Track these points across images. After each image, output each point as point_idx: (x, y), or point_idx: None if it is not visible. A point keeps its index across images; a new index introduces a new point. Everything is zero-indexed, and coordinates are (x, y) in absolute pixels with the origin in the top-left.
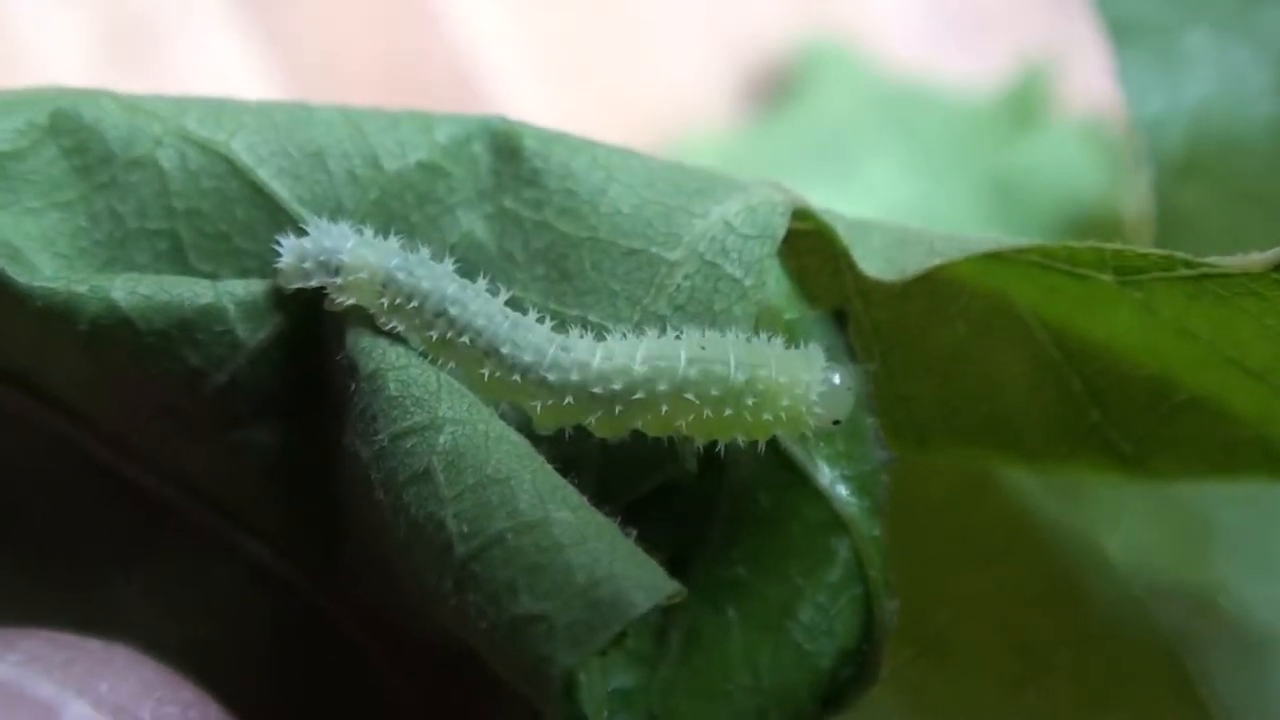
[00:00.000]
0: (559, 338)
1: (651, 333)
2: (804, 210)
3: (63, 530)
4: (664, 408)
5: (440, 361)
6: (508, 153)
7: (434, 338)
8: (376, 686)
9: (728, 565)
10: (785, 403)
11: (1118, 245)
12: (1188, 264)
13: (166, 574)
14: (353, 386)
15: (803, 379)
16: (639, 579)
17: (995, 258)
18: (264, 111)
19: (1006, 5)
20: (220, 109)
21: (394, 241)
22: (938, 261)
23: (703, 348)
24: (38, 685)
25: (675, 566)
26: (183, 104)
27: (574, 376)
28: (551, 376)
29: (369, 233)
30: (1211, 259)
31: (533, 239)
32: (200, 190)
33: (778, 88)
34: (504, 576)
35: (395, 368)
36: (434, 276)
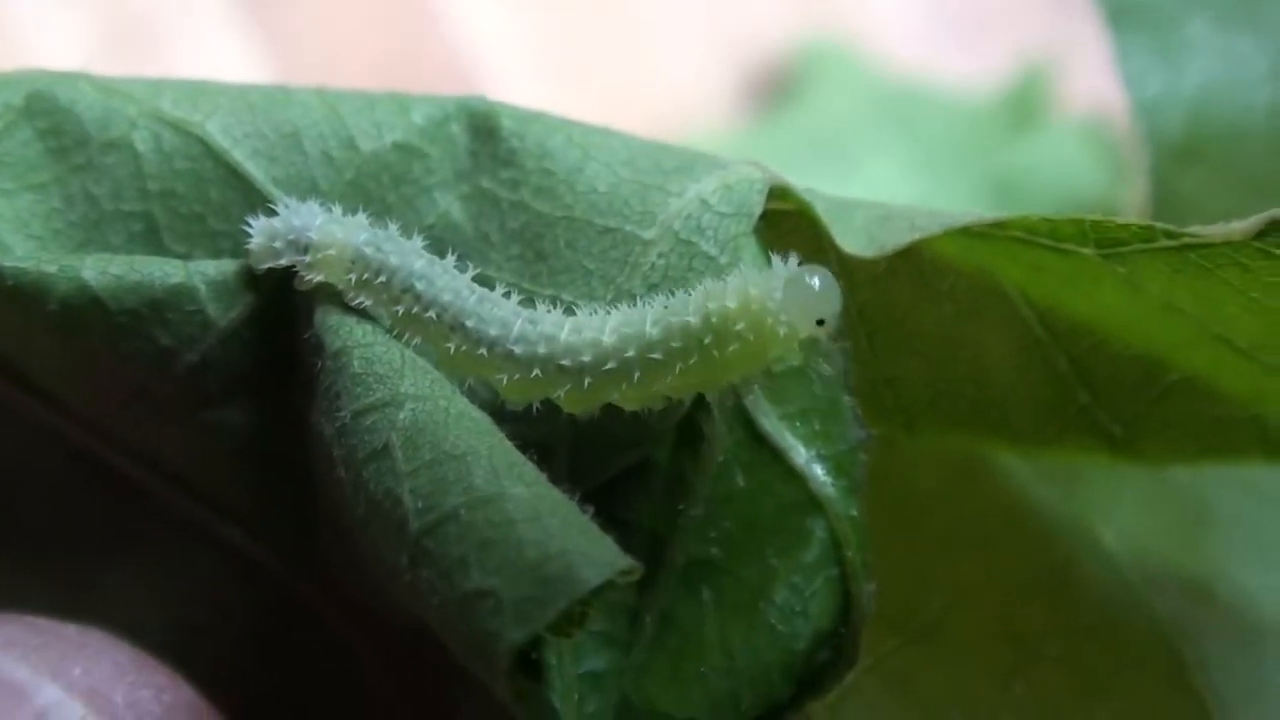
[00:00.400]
0: (525, 311)
1: (623, 306)
2: (783, 189)
3: (41, 516)
4: (636, 374)
5: (407, 337)
6: (485, 133)
7: (400, 313)
8: (353, 669)
9: (703, 546)
10: (741, 325)
11: (1097, 217)
12: (1169, 234)
13: (144, 559)
14: (319, 364)
15: (754, 293)
16: (591, 555)
17: (980, 236)
18: (240, 93)
19: (1006, 5)
20: (196, 91)
21: (362, 218)
22: (917, 236)
23: (665, 306)
24: (11, 669)
25: (651, 547)
26: (159, 86)
27: (541, 349)
28: (518, 349)
29: (338, 210)
30: (1193, 229)
31: (509, 219)
32: (174, 171)
33: (778, 88)
34: (456, 552)
35: (360, 345)
36: (401, 252)
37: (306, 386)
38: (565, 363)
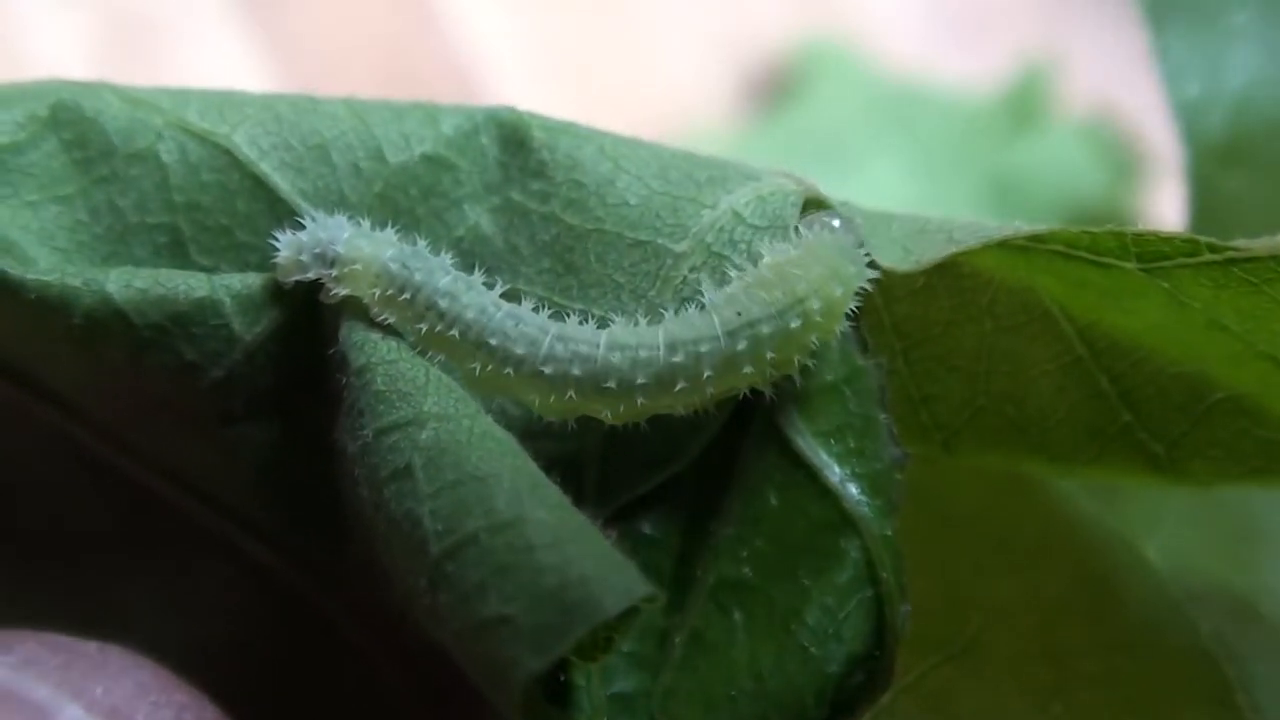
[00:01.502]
0: (555, 327)
1: (670, 313)
2: (817, 200)
3: (60, 529)
4: (709, 389)
5: (432, 355)
6: (515, 144)
7: (424, 330)
8: (375, 686)
9: (735, 566)
10: (838, 292)
11: (1140, 230)
12: (1213, 248)
13: (165, 573)
14: (343, 381)
15: (823, 264)
16: (611, 582)
17: (1021, 251)
18: (267, 103)
19: (1006, 5)
20: (223, 101)
21: (390, 233)
22: (954, 250)
23: (738, 314)
24: (32, 688)
25: (680, 566)
26: (185, 96)
27: (575, 370)
28: (548, 370)
29: (366, 224)
30: (1238, 242)
31: (539, 232)
32: (201, 183)
33: (777, 87)
34: (475, 577)
35: (385, 361)
36: (427, 269)
37: (331, 403)
38: (610, 384)
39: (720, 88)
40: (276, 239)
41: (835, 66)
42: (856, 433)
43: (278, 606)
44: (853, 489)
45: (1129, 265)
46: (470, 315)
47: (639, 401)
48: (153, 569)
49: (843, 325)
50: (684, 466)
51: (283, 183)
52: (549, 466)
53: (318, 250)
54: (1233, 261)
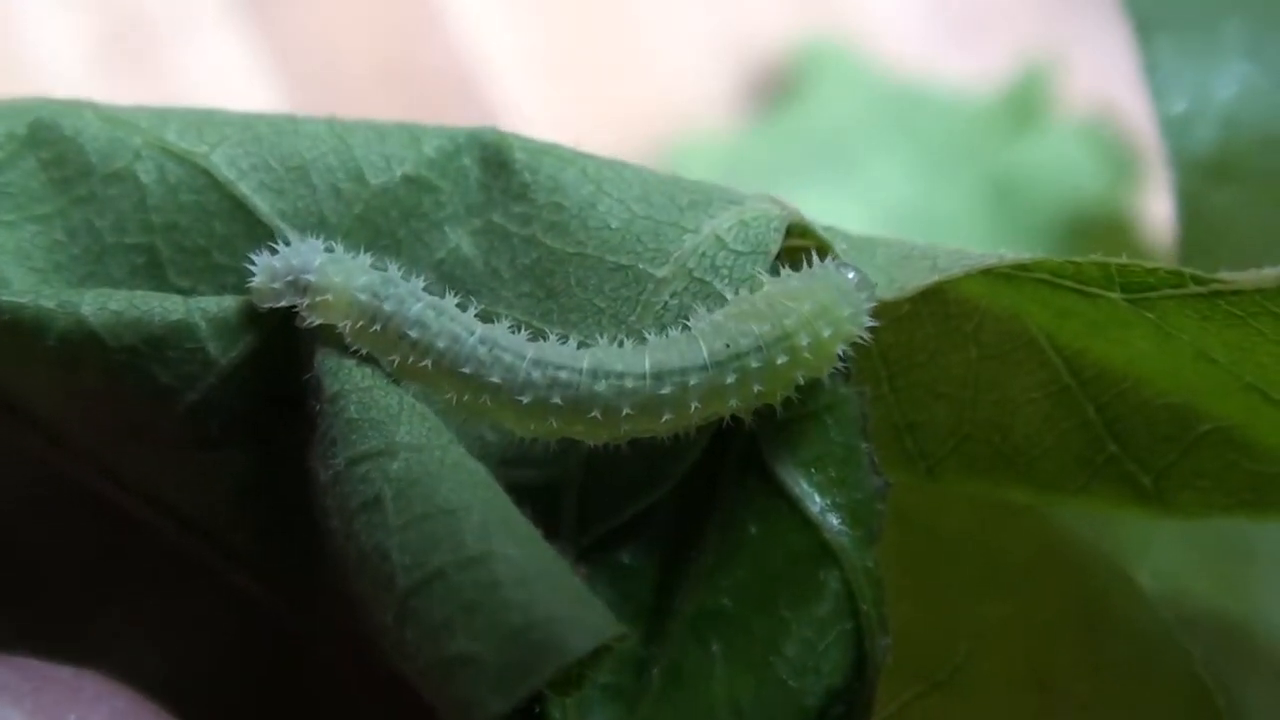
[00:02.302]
0: (532, 350)
1: (652, 337)
2: (802, 226)
3: (36, 551)
4: (695, 418)
5: (408, 387)
6: (497, 166)
7: (396, 361)
8: (355, 711)
9: (714, 596)
10: (826, 333)
11: (1124, 260)
12: (1198, 280)
13: (143, 598)
14: (317, 407)
15: (824, 299)
16: (578, 621)
17: (1006, 278)
18: (247, 123)
19: (1006, 5)
20: (203, 120)
21: (364, 260)
22: (939, 278)
23: (727, 345)
24: (4, 714)
25: (659, 596)
26: (165, 115)
27: (555, 398)
28: (525, 398)
29: (340, 249)
30: (1223, 274)
31: (519, 255)
32: (179, 204)
33: (777, 88)
34: (441, 613)
35: (358, 389)
36: (398, 298)
37: (306, 429)
38: (594, 414)
39: (720, 88)
40: (252, 262)
41: (835, 67)
42: (838, 462)
43: (255, 631)
44: (833, 519)
45: (1114, 295)
46: (442, 344)
47: (622, 429)
48: (129, 593)
49: (832, 365)
50: (663, 495)
51: (262, 204)
52: (526, 496)
53: (290, 277)
54: (1218, 294)
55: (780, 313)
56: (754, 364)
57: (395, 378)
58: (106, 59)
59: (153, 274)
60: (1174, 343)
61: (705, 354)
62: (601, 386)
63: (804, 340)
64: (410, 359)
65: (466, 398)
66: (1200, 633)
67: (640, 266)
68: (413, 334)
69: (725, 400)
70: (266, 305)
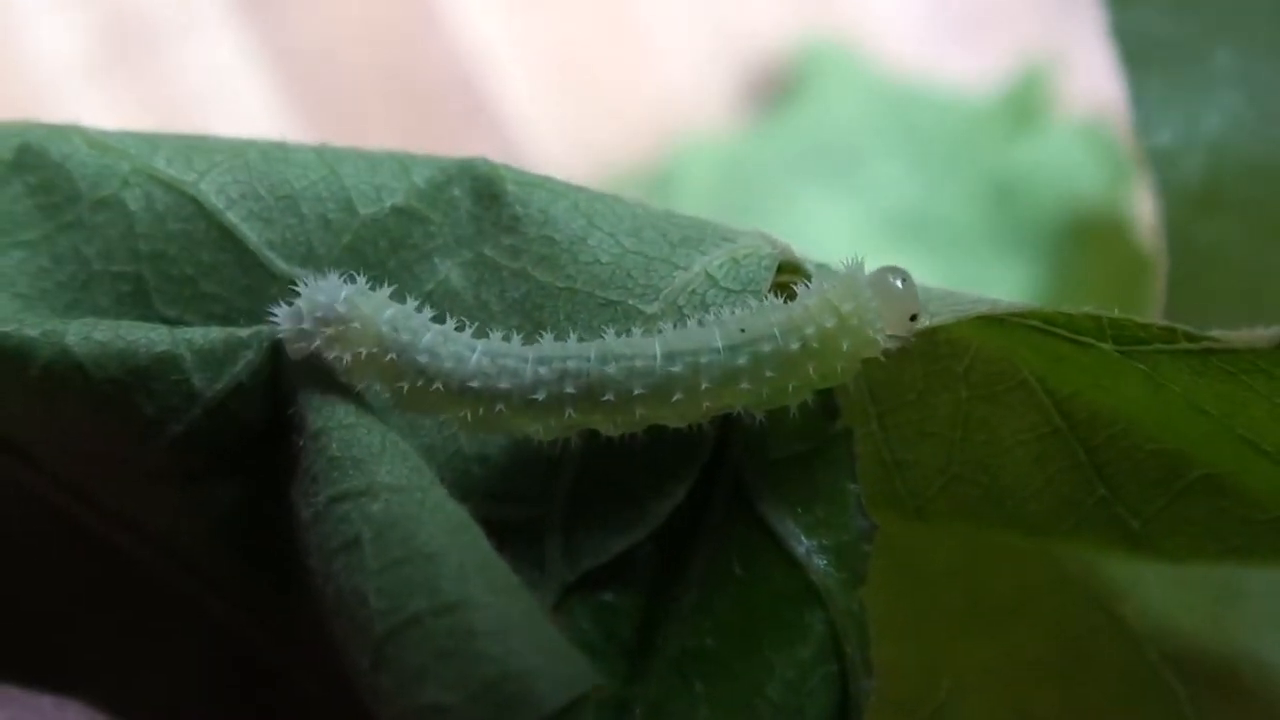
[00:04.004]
0: (531, 351)
1: (666, 328)
2: (793, 264)
3: (18, 580)
4: (706, 402)
5: (391, 424)
6: (488, 198)
7: (405, 389)
8: None
9: (697, 636)
10: (847, 346)
11: (1117, 315)
12: (1190, 337)
13: (125, 628)
14: (300, 443)
15: (845, 307)
16: (554, 675)
17: (998, 322)
18: (237, 151)
19: (1006, 5)
20: (193, 148)
21: (385, 292)
22: (929, 323)
23: (742, 330)
24: None
25: (642, 634)
26: (155, 142)
27: (569, 389)
28: (540, 396)
29: (362, 281)
30: (1215, 333)
31: (509, 288)
32: (167, 232)
33: (778, 88)
34: (416, 661)
35: (341, 426)
36: (413, 329)
37: (289, 464)
38: (608, 397)
39: (720, 88)
40: (274, 314)
41: (835, 67)
42: (824, 503)
43: (236, 662)
44: (819, 560)
45: (1105, 346)
46: (449, 365)
47: (637, 413)
48: (111, 622)
49: (847, 365)
50: (648, 534)
51: (250, 233)
52: (512, 533)
53: (319, 314)
54: (1210, 351)
55: (793, 306)
56: (766, 349)
57: (404, 407)
58: (106, 59)
59: (139, 302)
60: (1165, 393)
61: (719, 336)
62: (612, 369)
63: (811, 330)
64: (419, 384)
65: (481, 411)
66: (1187, 672)
67: (630, 303)
68: (422, 360)
69: (736, 383)
70: (300, 350)
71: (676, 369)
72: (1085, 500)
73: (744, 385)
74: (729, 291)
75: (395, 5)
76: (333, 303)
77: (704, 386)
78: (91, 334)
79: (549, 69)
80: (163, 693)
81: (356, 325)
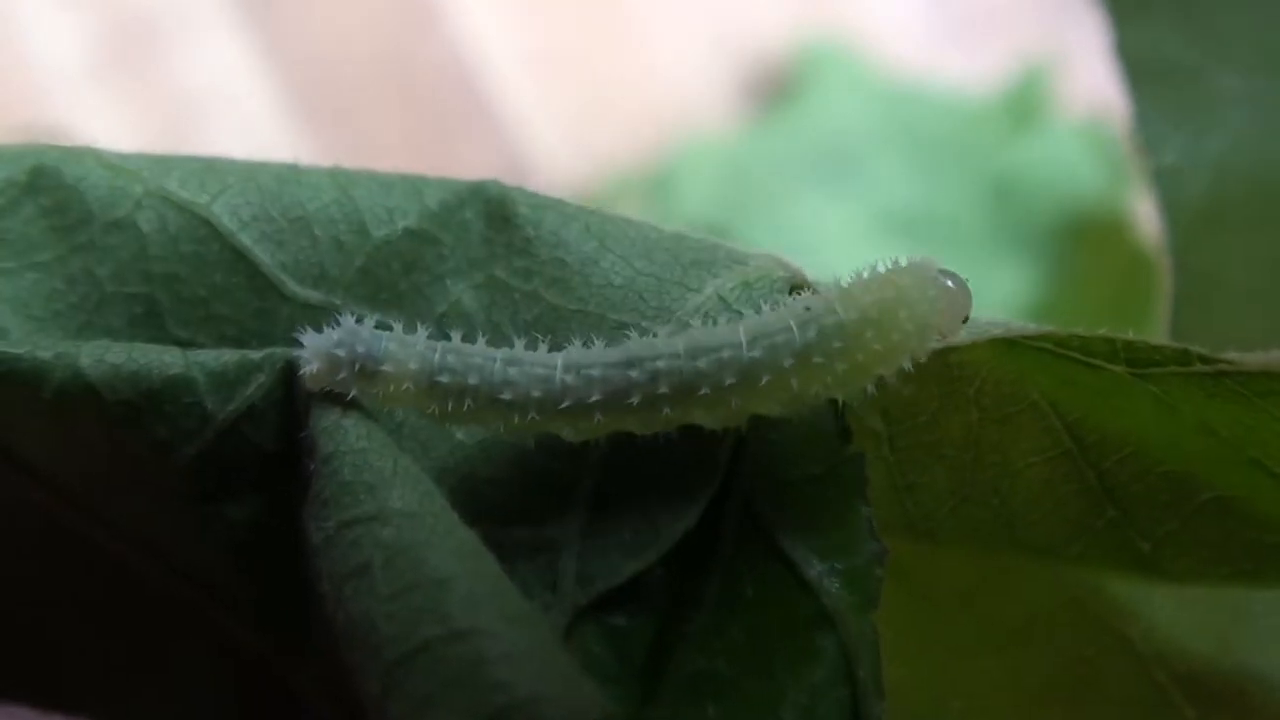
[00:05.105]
0: (559, 359)
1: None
2: (804, 285)
3: (33, 601)
4: (729, 384)
5: (404, 449)
6: (500, 220)
7: (437, 412)
8: None
9: (710, 658)
10: (902, 315)
11: (1130, 336)
12: (1204, 359)
13: (140, 649)
14: (312, 467)
15: (908, 284)
16: (563, 703)
17: (1009, 344)
18: (249, 173)
19: (1006, 5)
20: (205, 169)
21: (422, 337)
22: (941, 344)
23: (762, 323)
24: None
25: (654, 657)
26: (167, 163)
27: (595, 395)
28: (568, 403)
29: (399, 329)
30: (1230, 355)
31: (521, 310)
32: (179, 254)
33: (778, 88)
34: (425, 688)
35: (353, 451)
36: (460, 370)
37: (302, 487)
38: (633, 400)
39: (720, 88)
40: (300, 341)
41: (835, 67)
42: (836, 526)
43: (251, 683)
44: (831, 584)
45: (1118, 368)
46: (537, 393)
47: (663, 413)
48: (126, 643)
49: (869, 358)
50: (660, 556)
51: (263, 255)
52: (525, 555)
53: (358, 366)
54: (1224, 374)
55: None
56: (780, 339)
57: (442, 424)
58: (106, 59)
59: (152, 324)
60: (1176, 415)
61: (741, 332)
62: (636, 373)
63: (830, 320)
64: (450, 405)
65: (517, 420)
66: (1196, 693)
67: (643, 324)
68: (506, 396)
69: (758, 377)
70: (322, 386)
71: (700, 364)
72: (1095, 523)
73: (764, 379)
74: (741, 314)
75: (395, 6)
76: (372, 355)
77: (728, 382)
78: (105, 356)
79: (549, 69)
80: (173, 714)
81: (408, 386)
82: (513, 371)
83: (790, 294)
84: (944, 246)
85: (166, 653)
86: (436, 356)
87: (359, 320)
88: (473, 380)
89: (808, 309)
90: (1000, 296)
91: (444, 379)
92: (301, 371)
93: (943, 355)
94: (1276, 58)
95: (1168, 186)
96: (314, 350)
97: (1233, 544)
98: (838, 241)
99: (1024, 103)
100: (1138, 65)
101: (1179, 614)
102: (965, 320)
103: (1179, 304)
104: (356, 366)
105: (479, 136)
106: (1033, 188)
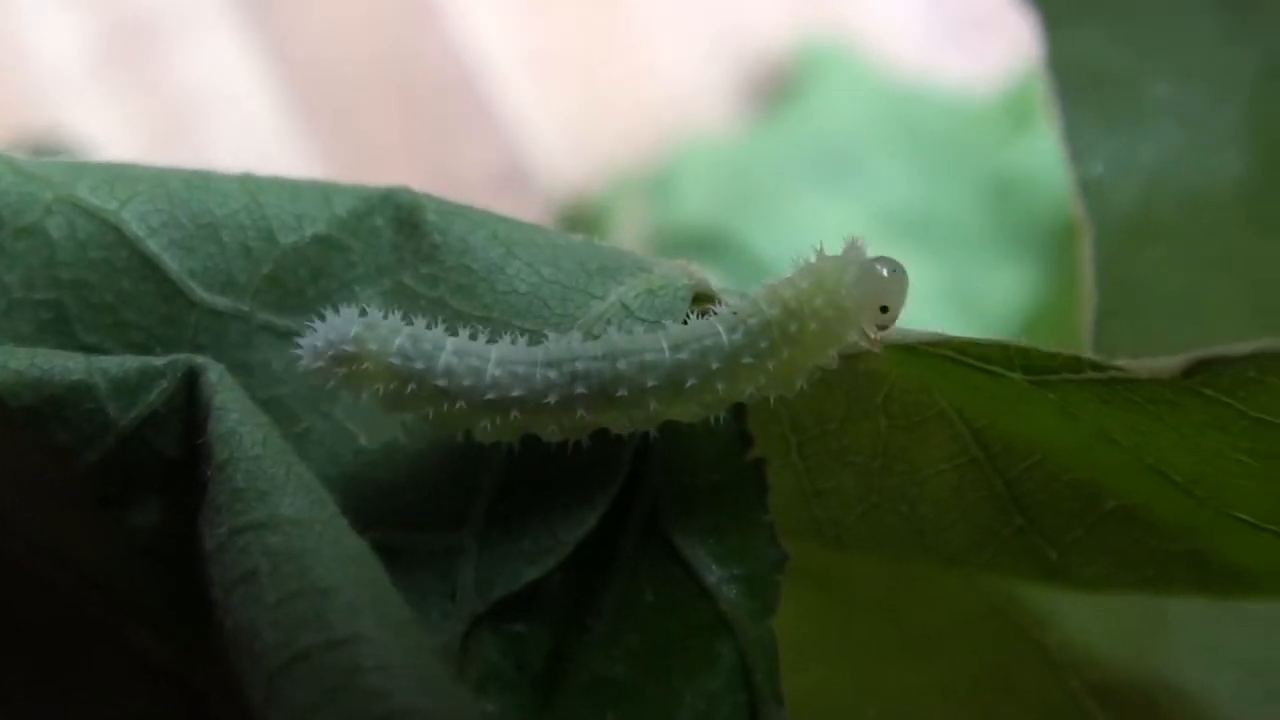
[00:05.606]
0: (541, 352)
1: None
2: (708, 294)
3: None
4: (719, 386)
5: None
6: (409, 227)
7: (432, 414)
8: None
9: (609, 664)
10: (819, 301)
11: (1024, 344)
12: (1096, 366)
13: (49, 659)
14: (208, 473)
15: (826, 269)
16: (439, 714)
17: (913, 352)
18: (160, 179)
19: (1007, 5)
20: (116, 176)
21: (397, 321)
22: (842, 352)
23: (734, 313)
24: None
25: (553, 663)
26: (79, 170)
27: (580, 389)
28: (553, 399)
29: (376, 314)
30: (1121, 362)
31: (426, 317)
32: (88, 260)
33: (777, 88)
34: (305, 697)
35: (246, 458)
36: (427, 355)
37: (200, 494)
38: (622, 393)
39: (720, 88)
40: (299, 346)
41: (835, 67)
42: (736, 532)
43: (165, 697)
44: (730, 590)
45: (1015, 376)
46: (468, 383)
47: (651, 407)
48: (38, 656)
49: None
50: (559, 562)
51: (171, 262)
52: (426, 561)
53: (332, 352)
54: (1116, 381)
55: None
56: (709, 343)
57: (437, 428)
58: (106, 58)
59: (60, 330)
60: (1077, 423)
61: (663, 338)
62: (623, 365)
63: (755, 320)
64: (445, 407)
65: (500, 420)
66: (1109, 702)
67: (546, 332)
68: (440, 384)
69: (683, 380)
70: (325, 384)
71: (684, 356)
72: (1003, 530)
73: (745, 360)
74: (644, 321)
75: (395, 6)
76: (343, 340)
77: (714, 365)
78: (7, 362)
79: (549, 69)
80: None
81: (368, 365)
82: (454, 360)
83: (695, 301)
84: (944, 246)
85: (80, 664)
86: (400, 340)
87: (337, 310)
88: (419, 365)
89: (734, 313)
90: (1000, 296)
91: (396, 361)
92: (300, 370)
93: (850, 363)
94: (1208, 67)
95: (1096, 196)
96: (304, 348)
97: (1138, 552)
98: (838, 242)
99: (1024, 103)
100: (1068, 74)
101: (1095, 624)
102: (897, 303)
103: (1108, 315)
104: (330, 354)
105: (479, 136)
106: (1033, 188)
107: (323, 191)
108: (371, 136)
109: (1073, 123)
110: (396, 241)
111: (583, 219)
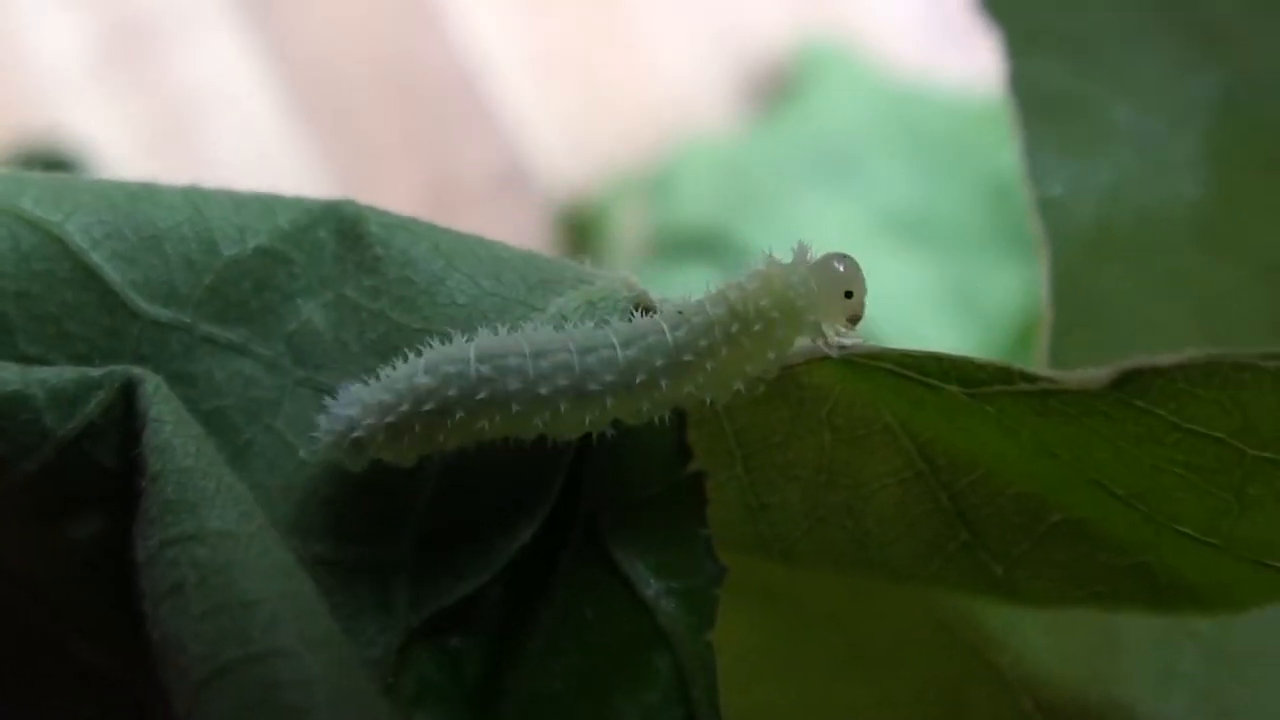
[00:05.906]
0: (532, 360)
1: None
2: (649, 306)
3: None
4: (663, 383)
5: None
6: (352, 239)
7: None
8: None
9: (546, 679)
10: (765, 302)
11: (956, 356)
12: (1026, 378)
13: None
14: (141, 485)
15: (773, 270)
16: None
17: (855, 366)
18: (104, 191)
19: None
20: (60, 187)
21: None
22: (788, 363)
23: (679, 311)
24: None
25: (490, 678)
26: (23, 181)
27: (561, 381)
28: (543, 390)
29: (373, 383)
30: (1050, 373)
31: (367, 329)
32: (31, 272)
33: (778, 88)
34: (225, 712)
35: (178, 470)
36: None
37: (135, 505)
38: (592, 387)
39: (720, 88)
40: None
41: (835, 67)
42: (674, 546)
43: (109, 706)
44: (667, 603)
45: (953, 388)
46: (454, 394)
47: (608, 402)
48: None
49: (783, 345)
50: (494, 575)
51: (113, 273)
52: (361, 574)
53: (346, 445)
54: (1049, 393)
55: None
56: (652, 339)
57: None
58: (106, 59)
59: (3, 341)
60: (1017, 436)
61: (612, 334)
62: (591, 360)
63: (734, 294)
64: (461, 436)
65: (498, 419)
66: None
67: None
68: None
69: (680, 355)
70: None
71: (632, 353)
72: (948, 544)
73: (686, 357)
74: None
75: (395, 6)
76: (354, 429)
77: (659, 362)
78: None
79: (549, 69)
80: None
81: (382, 438)
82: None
83: (636, 312)
84: (944, 246)
85: (24, 669)
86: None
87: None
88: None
89: (679, 311)
90: (1000, 296)
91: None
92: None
93: (794, 377)
94: (1167, 96)
95: (1053, 216)
96: (324, 429)
97: (1085, 566)
98: (838, 242)
99: None
100: (1029, 96)
101: (1047, 643)
102: (860, 290)
103: (1060, 333)
104: (346, 445)
105: (479, 137)
106: None
107: (266, 203)
108: (371, 136)
109: (1033, 144)
110: (339, 253)
111: (583, 219)
